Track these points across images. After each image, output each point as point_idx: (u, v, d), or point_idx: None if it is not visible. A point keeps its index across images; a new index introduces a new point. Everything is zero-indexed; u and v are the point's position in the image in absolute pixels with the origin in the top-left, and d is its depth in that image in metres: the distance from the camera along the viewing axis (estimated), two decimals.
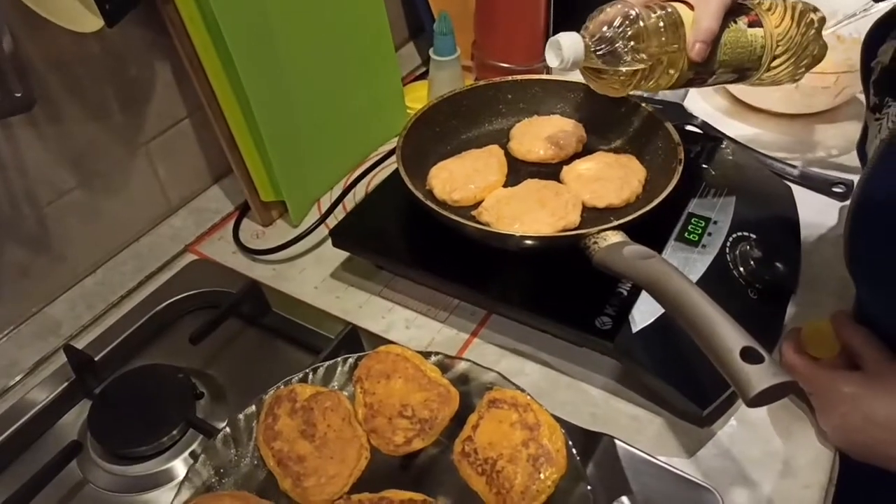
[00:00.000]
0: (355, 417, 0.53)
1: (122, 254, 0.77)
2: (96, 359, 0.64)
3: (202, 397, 0.63)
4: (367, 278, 0.73)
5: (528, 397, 0.51)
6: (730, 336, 0.46)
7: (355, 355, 0.56)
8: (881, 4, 0.91)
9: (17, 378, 0.65)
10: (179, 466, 0.58)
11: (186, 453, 0.59)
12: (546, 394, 0.61)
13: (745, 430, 0.58)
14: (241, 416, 0.53)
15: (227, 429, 0.52)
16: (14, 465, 0.60)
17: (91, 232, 0.73)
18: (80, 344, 0.67)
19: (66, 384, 0.64)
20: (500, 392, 0.52)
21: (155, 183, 0.78)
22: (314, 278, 0.74)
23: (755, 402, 0.44)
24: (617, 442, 0.55)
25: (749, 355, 0.45)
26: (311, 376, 0.55)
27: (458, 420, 0.52)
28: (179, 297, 0.71)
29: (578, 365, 0.63)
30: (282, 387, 0.54)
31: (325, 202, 0.83)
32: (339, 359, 0.56)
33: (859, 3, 0.92)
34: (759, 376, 0.44)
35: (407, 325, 0.68)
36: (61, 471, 0.56)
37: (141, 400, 0.61)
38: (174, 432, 0.59)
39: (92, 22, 0.56)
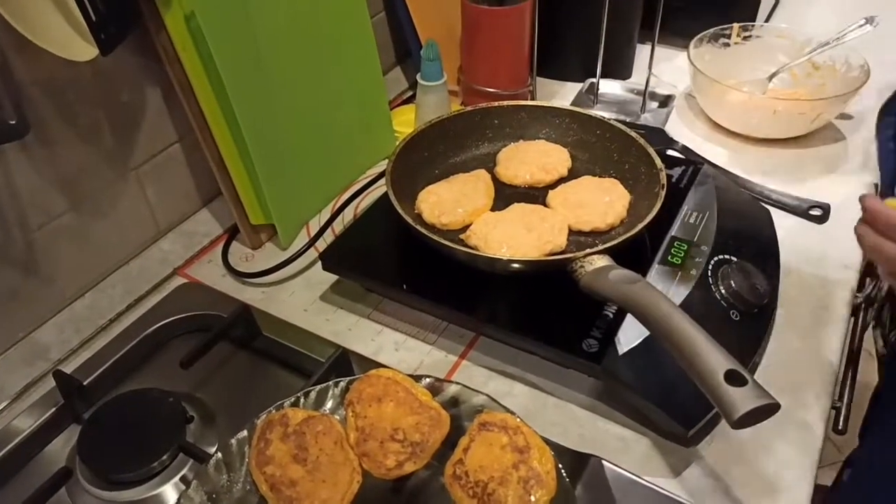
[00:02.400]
0: (347, 441, 0.53)
1: (112, 277, 0.77)
2: (85, 383, 0.64)
3: (192, 421, 0.63)
4: (356, 301, 0.74)
5: (518, 420, 0.52)
6: (714, 359, 0.48)
7: (346, 379, 0.57)
8: (852, 34, 0.94)
9: (5, 403, 0.65)
10: (170, 491, 0.58)
11: (177, 478, 0.58)
12: (534, 415, 0.62)
13: (730, 450, 0.59)
14: (233, 441, 0.53)
15: (219, 454, 0.53)
16: (1, 493, 0.59)
17: (80, 255, 0.73)
18: (68, 368, 0.67)
19: (54, 409, 0.63)
20: (491, 415, 0.53)
21: (145, 206, 0.79)
22: (304, 301, 0.74)
23: (739, 424, 0.45)
24: (605, 463, 0.56)
25: (733, 378, 0.46)
26: (302, 400, 0.56)
27: (449, 443, 0.53)
28: (169, 320, 0.71)
29: (566, 386, 0.64)
30: (273, 411, 0.55)
31: (314, 225, 0.84)
32: (330, 382, 0.57)
33: (833, 32, 0.95)
34: (743, 399, 0.45)
35: (396, 347, 0.69)
36: (50, 497, 0.56)
37: (131, 425, 0.61)
38: (164, 457, 0.59)
39: (87, 51, 0.57)
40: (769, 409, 0.45)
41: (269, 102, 0.75)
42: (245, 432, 0.54)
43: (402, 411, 0.54)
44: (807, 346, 0.67)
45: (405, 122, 0.97)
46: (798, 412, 0.61)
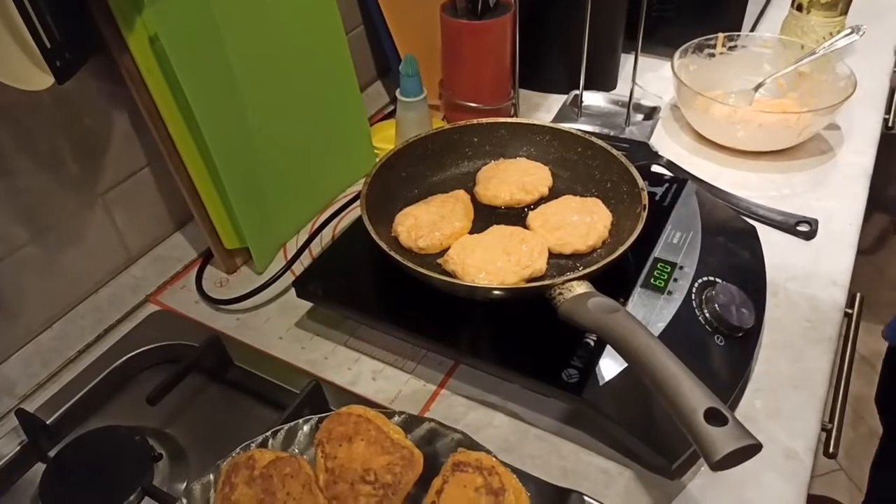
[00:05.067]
0: (316, 483, 0.51)
1: (80, 307, 0.75)
2: (48, 422, 0.62)
3: (160, 459, 0.61)
4: (333, 327, 0.72)
5: (494, 459, 0.50)
6: (693, 396, 0.46)
7: (317, 417, 0.55)
8: (841, 42, 0.93)
9: None
10: None
11: None
12: (515, 447, 0.60)
13: (715, 482, 0.57)
14: (196, 486, 0.51)
15: (183, 500, 0.51)
16: None
17: (46, 286, 0.71)
18: (35, 403, 0.65)
19: (18, 448, 0.61)
20: (465, 454, 0.50)
21: (113, 233, 0.76)
22: (279, 328, 0.72)
23: (720, 465, 0.43)
24: (586, 499, 0.54)
25: (713, 417, 0.45)
26: (271, 440, 0.54)
27: (424, 483, 0.51)
28: (138, 351, 0.69)
29: (547, 416, 0.62)
30: (240, 452, 0.52)
31: (292, 247, 0.82)
32: (300, 420, 0.55)
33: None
34: (724, 439, 0.43)
35: (374, 376, 0.67)
36: None
37: (95, 466, 0.59)
38: (131, 498, 0.57)
39: (41, 79, 0.55)
40: (751, 450, 0.43)
41: (240, 124, 0.73)
42: (210, 476, 0.52)
43: (374, 451, 0.51)
44: (794, 369, 0.65)
45: (386, 138, 0.95)
46: (786, 440, 0.59)
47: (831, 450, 0.69)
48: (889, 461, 0.78)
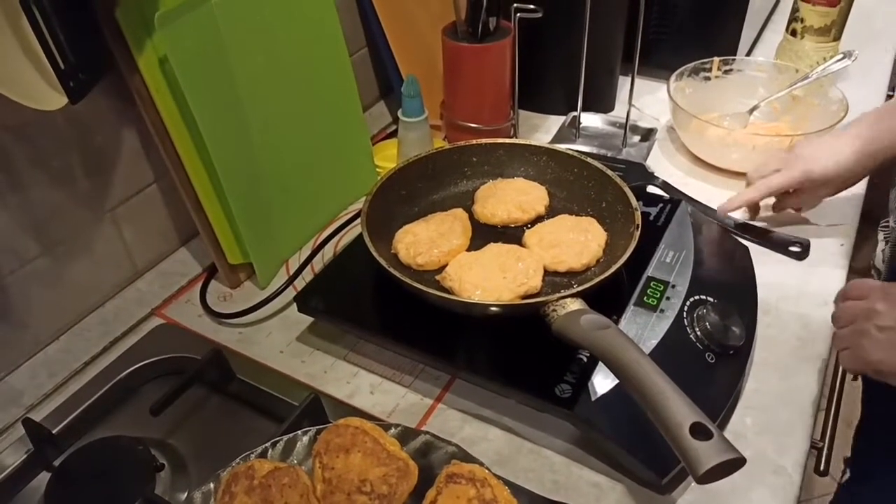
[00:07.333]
0: (314, 493, 0.52)
1: (87, 319, 0.77)
2: (55, 431, 0.64)
3: (162, 469, 0.62)
4: (333, 341, 0.73)
5: (486, 472, 0.51)
6: (680, 411, 0.47)
7: (315, 428, 0.56)
8: (834, 67, 0.95)
9: None
10: None
11: None
12: (508, 461, 0.61)
13: (705, 498, 0.58)
14: (197, 495, 0.52)
15: None
16: None
17: (55, 299, 0.73)
18: (41, 413, 0.66)
19: (24, 457, 0.63)
20: (458, 466, 0.52)
21: (121, 247, 0.78)
22: (280, 342, 0.74)
23: (705, 479, 0.44)
24: None
25: (698, 431, 0.46)
26: (270, 451, 0.55)
27: (418, 495, 0.52)
28: (143, 363, 0.71)
29: (541, 430, 0.64)
30: (240, 463, 0.54)
31: (295, 263, 0.84)
32: (298, 432, 0.56)
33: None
34: (708, 453, 0.44)
35: (372, 390, 0.68)
36: None
37: (99, 475, 0.60)
38: None
39: (55, 99, 0.57)
40: (735, 464, 0.45)
41: (246, 143, 0.75)
42: (211, 485, 0.53)
43: (370, 462, 0.53)
44: (785, 387, 0.66)
45: (388, 157, 0.97)
46: (775, 457, 0.60)
47: (822, 468, 0.70)
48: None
